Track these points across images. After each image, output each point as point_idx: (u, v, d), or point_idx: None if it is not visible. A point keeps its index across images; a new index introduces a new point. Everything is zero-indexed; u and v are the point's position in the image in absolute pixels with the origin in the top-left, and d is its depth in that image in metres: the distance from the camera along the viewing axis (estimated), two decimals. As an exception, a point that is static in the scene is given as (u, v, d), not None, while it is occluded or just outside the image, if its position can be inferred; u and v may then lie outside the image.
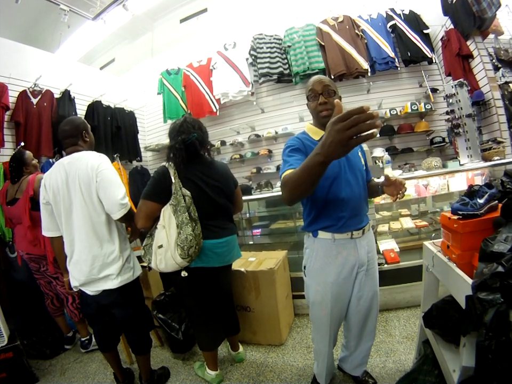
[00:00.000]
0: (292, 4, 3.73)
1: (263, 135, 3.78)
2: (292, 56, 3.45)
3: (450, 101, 2.76)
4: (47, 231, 1.58)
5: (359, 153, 1.39)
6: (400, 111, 3.31)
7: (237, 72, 3.68)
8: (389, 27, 3.36)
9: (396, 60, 3.30)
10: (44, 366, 2.20)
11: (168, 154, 1.56)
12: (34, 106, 2.91)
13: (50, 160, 2.91)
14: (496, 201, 1.07)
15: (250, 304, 2.11)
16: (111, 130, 3.67)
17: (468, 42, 2.95)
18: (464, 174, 2.64)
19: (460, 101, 2.68)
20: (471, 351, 0.88)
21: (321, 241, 1.29)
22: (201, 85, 3.89)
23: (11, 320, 2.09)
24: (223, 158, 3.98)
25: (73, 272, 1.54)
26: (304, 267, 1.38)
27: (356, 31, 3.38)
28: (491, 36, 2.99)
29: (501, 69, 2.91)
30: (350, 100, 3.52)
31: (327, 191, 1.22)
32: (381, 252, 2.42)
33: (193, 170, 1.56)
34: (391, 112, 3.29)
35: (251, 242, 3.27)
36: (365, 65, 3.27)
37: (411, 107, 3.22)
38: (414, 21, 3.36)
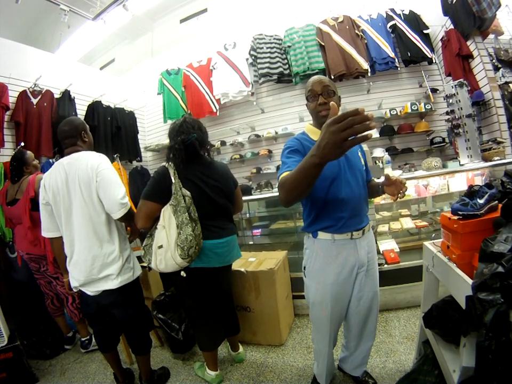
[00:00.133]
0: (291, 4, 3.73)
1: (263, 135, 3.78)
2: (292, 56, 3.45)
3: (450, 101, 2.76)
4: (47, 231, 1.58)
5: (359, 153, 1.39)
6: (400, 111, 3.31)
7: (237, 72, 3.68)
8: (389, 27, 3.36)
9: (396, 60, 3.30)
10: (44, 366, 2.20)
11: (168, 155, 1.55)
12: (34, 107, 2.91)
13: (50, 160, 2.91)
14: (496, 202, 1.07)
15: (250, 305, 2.11)
16: (111, 131, 3.67)
17: (468, 43, 2.95)
18: (464, 174, 2.65)
19: (460, 101, 2.68)
20: (471, 351, 0.88)
21: (321, 241, 1.29)
22: (201, 85, 3.89)
23: (11, 320, 2.09)
24: (223, 158, 3.98)
25: (73, 273, 1.54)
26: (304, 268, 1.38)
27: (356, 31, 3.38)
28: (491, 36, 2.99)
29: (501, 69, 2.91)
30: (350, 100, 3.52)
31: (326, 192, 1.22)
32: (381, 252, 2.42)
33: (193, 170, 1.56)
34: (391, 112, 3.29)
35: (251, 243, 3.27)
36: (365, 65, 3.27)
37: (411, 107, 3.22)
38: (414, 21, 3.36)
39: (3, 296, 2.31)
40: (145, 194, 1.52)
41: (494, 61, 2.91)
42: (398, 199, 1.29)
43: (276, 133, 3.69)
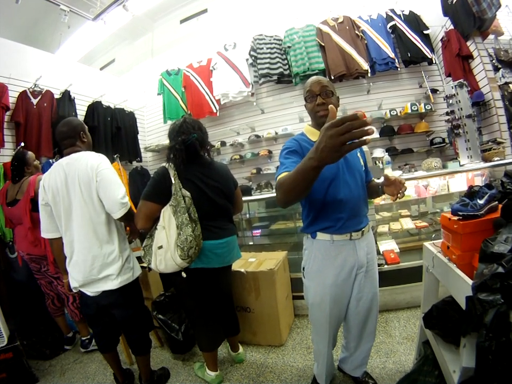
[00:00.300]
0: (292, 4, 3.73)
1: (263, 136, 3.78)
2: (292, 56, 3.45)
3: (450, 101, 2.76)
4: (46, 232, 1.57)
5: (359, 154, 1.39)
6: (400, 112, 3.31)
7: (237, 72, 3.68)
8: (389, 28, 3.37)
9: (396, 60, 3.30)
10: (44, 367, 2.20)
11: (168, 155, 1.55)
12: (34, 107, 2.91)
13: (50, 160, 2.91)
14: (496, 202, 1.07)
15: (250, 305, 2.11)
16: (111, 131, 3.67)
17: (468, 43, 2.95)
18: (464, 174, 2.65)
19: (459, 102, 2.68)
20: (471, 352, 0.88)
21: (320, 242, 1.29)
22: (201, 86, 3.89)
23: (11, 320, 2.09)
24: (223, 158, 3.98)
25: (73, 273, 1.53)
26: (303, 268, 1.37)
27: (356, 32, 3.39)
28: (491, 37, 2.99)
29: (501, 69, 2.91)
30: (350, 100, 3.52)
31: (325, 192, 1.22)
32: (381, 253, 2.42)
33: (193, 171, 1.56)
34: (391, 112, 3.29)
35: (251, 243, 3.27)
36: (365, 65, 3.27)
37: (411, 108, 3.22)
38: (414, 21, 3.37)
39: (3, 296, 2.31)
40: (145, 194, 1.52)
41: (494, 61, 2.91)
42: (398, 199, 1.29)
43: (276, 133, 3.69)
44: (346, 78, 3.41)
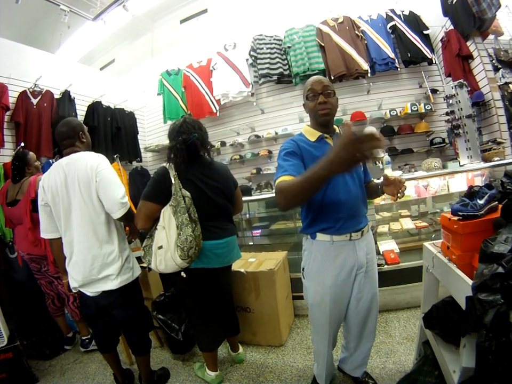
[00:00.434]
0: (292, 4, 3.73)
1: (263, 136, 3.78)
2: (292, 57, 3.45)
3: (450, 101, 2.75)
4: (46, 232, 1.57)
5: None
6: (400, 112, 3.31)
7: (237, 72, 3.68)
8: (389, 28, 3.36)
9: (396, 60, 3.30)
10: (44, 367, 2.20)
11: (169, 155, 1.55)
12: (34, 107, 2.91)
13: (50, 160, 2.90)
14: (496, 202, 1.08)
15: (250, 305, 2.11)
16: (111, 131, 3.67)
17: (468, 43, 2.95)
18: (464, 174, 2.64)
19: (459, 102, 2.68)
20: (471, 352, 0.88)
21: (319, 243, 1.29)
22: (201, 86, 3.89)
23: (11, 320, 2.09)
24: (223, 158, 3.98)
25: (73, 273, 1.53)
26: (303, 269, 1.37)
27: (356, 32, 3.38)
28: (491, 37, 2.99)
29: (501, 69, 2.91)
30: (350, 100, 3.52)
31: (323, 194, 1.22)
32: (381, 253, 2.42)
33: (193, 171, 1.56)
34: (391, 112, 3.29)
35: (251, 243, 3.27)
36: (365, 66, 3.27)
37: (411, 108, 3.22)
38: (414, 21, 3.36)
39: (3, 296, 2.31)
40: (145, 195, 1.52)
41: (494, 61, 2.91)
42: (398, 199, 1.29)
43: (276, 133, 3.69)
44: (346, 78, 3.40)
